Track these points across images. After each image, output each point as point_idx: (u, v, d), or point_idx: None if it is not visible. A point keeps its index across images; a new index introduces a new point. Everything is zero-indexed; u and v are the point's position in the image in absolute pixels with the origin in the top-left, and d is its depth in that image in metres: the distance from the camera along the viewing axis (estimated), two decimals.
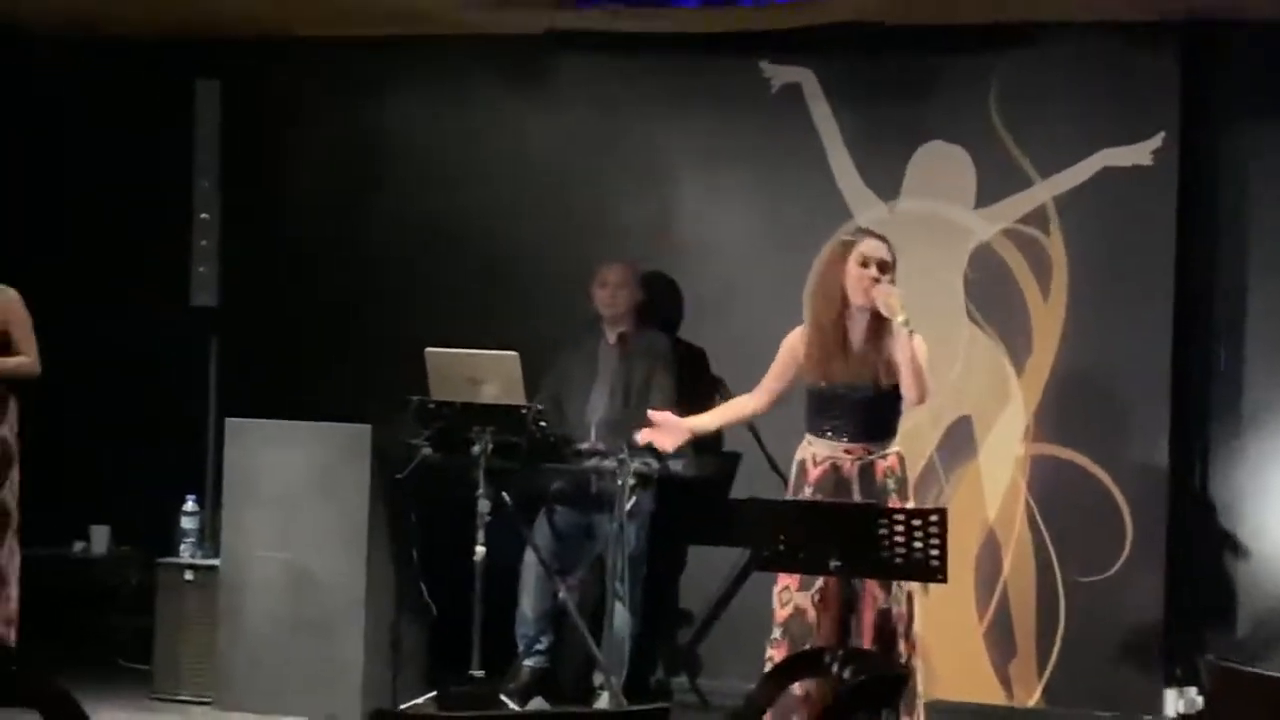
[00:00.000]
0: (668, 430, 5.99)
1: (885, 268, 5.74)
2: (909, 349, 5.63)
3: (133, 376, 7.99)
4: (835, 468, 5.78)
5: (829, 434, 5.79)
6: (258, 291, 7.85)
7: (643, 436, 6.06)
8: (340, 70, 8.05)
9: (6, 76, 8.14)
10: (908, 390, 5.69)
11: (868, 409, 5.76)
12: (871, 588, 5.66)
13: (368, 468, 6.81)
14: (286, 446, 6.91)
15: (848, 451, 5.78)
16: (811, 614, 5.71)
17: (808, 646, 5.54)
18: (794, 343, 5.94)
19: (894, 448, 5.83)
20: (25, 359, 6.86)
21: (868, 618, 5.68)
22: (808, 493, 5.81)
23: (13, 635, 6.84)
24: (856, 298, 5.73)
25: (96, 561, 8.06)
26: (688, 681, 7.52)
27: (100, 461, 7.97)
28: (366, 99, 8.04)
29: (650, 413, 6.08)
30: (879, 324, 5.75)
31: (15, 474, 6.84)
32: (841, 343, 5.77)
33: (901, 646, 5.72)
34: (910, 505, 5.80)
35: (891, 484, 5.77)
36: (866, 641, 5.64)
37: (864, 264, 5.74)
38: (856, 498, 5.74)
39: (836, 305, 5.78)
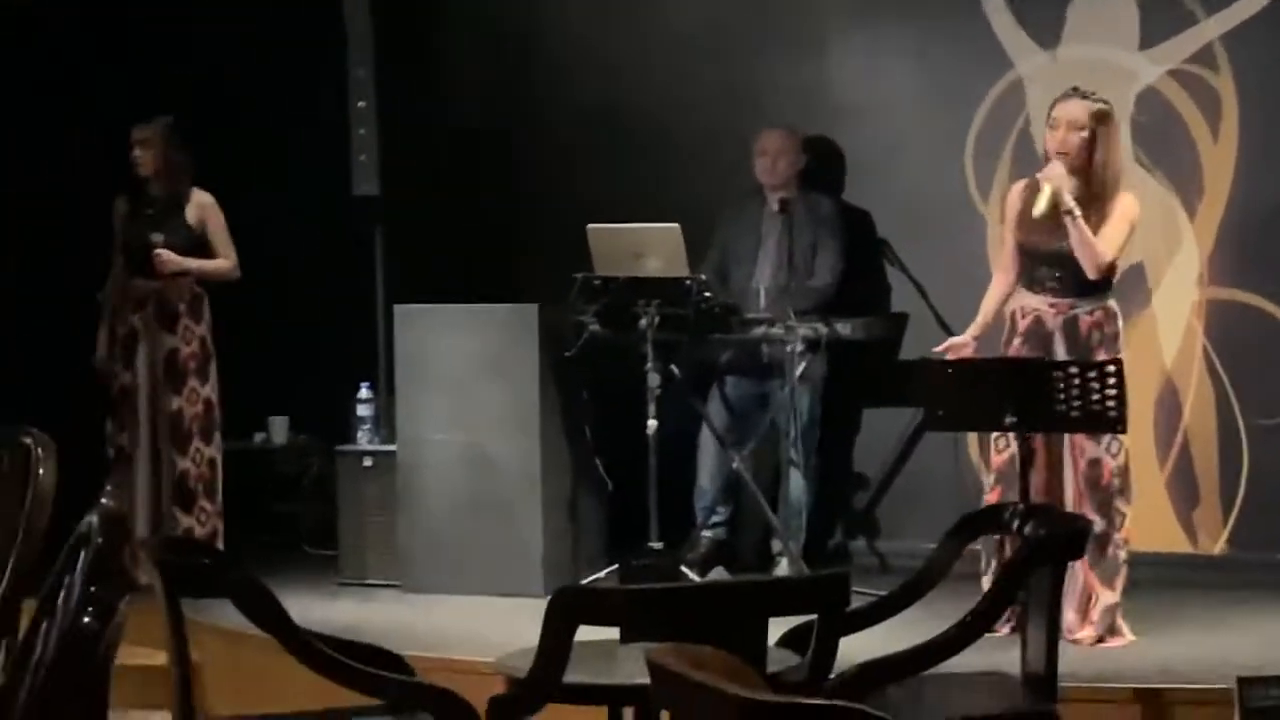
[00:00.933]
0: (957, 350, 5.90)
1: (1078, 126, 5.63)
2: (1075, 230, 5.56)
3: (300, 268, 8.10)
4: (1039, 320, 5.74)
5: (1035, 287, 5.76)
6: (419, 178, 7.89)
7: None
8: None
9: None
10: (1083, 264, 5.63)
11: (1074, 265, 5.68)
12: (1079, 440, 5.63)
13: (536, 347, 6.85)
14: (455, 330, 6.97)
15: (1052, 306, 5.73)
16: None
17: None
18: (1010, 201, 5.89)
19: (1106, 302, 5.76)
20: (224, 262, 7.02)
21: (1079, 468, 5.66)
22: (1016, 344, 5.80)
23: (221, 528, 7.05)
24: (1044, 163, 5.67)
25: (277, 451, 8.23)
26: (866, 545, 7.52)
27: (275, 353, 8.10)
28: None
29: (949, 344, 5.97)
30: (1090, 186, 5.67)
31: (213, 371, 7.02)
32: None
33: (1117, 501, 5.68)
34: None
35: (1097, 337, 5.71)
36: (1073, 495, 5.62)
37: (1053, 127, 5.66)
38: (1059, 352, 5.69)
39: (1041, 163, 5.72)
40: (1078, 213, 5.57)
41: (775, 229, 7.17)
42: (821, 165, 7.41)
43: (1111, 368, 5.24)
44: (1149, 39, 7.09)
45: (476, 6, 8.07)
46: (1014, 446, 5.67)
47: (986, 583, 5.69)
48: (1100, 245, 5.63)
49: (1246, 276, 6.97)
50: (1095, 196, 5.69)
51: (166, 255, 6.93)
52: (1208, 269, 7.02)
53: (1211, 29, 6.99)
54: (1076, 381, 5.23)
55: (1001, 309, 5.90)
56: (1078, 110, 5.67)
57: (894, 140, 7.40)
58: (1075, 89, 5.82)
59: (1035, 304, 5.77)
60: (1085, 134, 5.64)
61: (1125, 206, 5.70)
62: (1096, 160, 5.68)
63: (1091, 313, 5.72)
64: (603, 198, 7.50)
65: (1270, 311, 6.93)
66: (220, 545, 6.89)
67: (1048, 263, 5.74)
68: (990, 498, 5.78)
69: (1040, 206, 5.58)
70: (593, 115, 7.83)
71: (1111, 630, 5.80)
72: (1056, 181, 5.58)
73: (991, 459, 5.86)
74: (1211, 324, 7.01)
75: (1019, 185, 5.88)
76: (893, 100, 7.43)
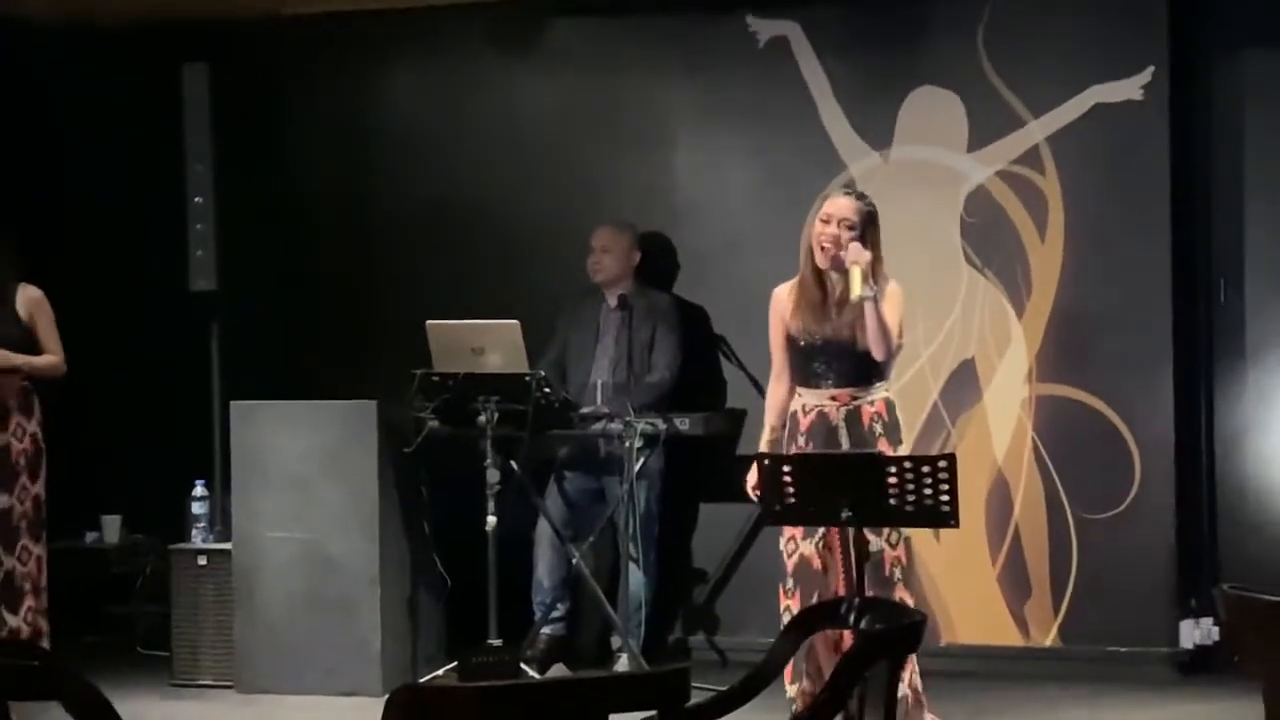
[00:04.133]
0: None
1: (848, 225, 5.74)
2: (873, 312, 5.66)
3: (137, 365, 8.00)
4: (822, 415, 5.80)
5: (815, 383, 5.82)
6: (257, 274, 7.85)
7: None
8: (330, 46, 8.04)
9: (3, 69, 8.12)
10: (873, 350, 5.72)
11: (852, 357, 5.78)
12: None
13: (376, 443, 6.82)
14: (293, 427, 6.92)
15: (833, 398, 5.80)
16: (818, 561, 5.74)
17: (817, 594, 5.57)
18: (777, 304, 5.95)
19: (882, 393, 5.84)
20: (53, 358, 6.89)
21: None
22: (800, 442, 5.84)
23: (46, 627, 6.88)
24: (818, 256, 5.76)
25: (109, 551, 8.08)
26: (706, 639, 7.55)
27: (108, 451, 7.99)
28: (358, 74, 8.03)
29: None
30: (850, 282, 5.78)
31: (43, 468, 6.88)
32: (821, 298, 5.81)
33: (899, 590, 5.73)
34: (901, 450, 5.82)
35: (879, 428, 5.79)
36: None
37: (825, 221, 5.76)
38: (844, 444, 5.76)
39: (810, 260, 5.82)
40: (879, 297, 5.68)
41: (613, 325, 7.22)
42: (659, 261, 7.49)
43: (944, 463, 5.31)
44: (977, 141, 7.27)
45: (317, 101, 8.08)
46: (802, 549, 5.73)
47: (786, 680, 5.69)
48: (891, 328, 5.75)
49: (1075, 373, 7.13)
50: None
51: None
52: (1036, 365, 7.18)
53: (1037, 131, 7.19)
54: (910, 476, 5.30)
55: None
56: (849, 208, 5.79)
57: (732, 237, 7.51)
58: (846, 187, 5.98)
59: (815, 400, 5.82)
60: (856, 232, 5.75)
61: (895, 293, 5.82)
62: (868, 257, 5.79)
63: (872, 403, 5.81)
64: (443, 293, 7.52)
65: (1097, 407, 7.10)
66: (46, 645, 6.73)
67: (824, 357, 5.80)
68: (791, 603, 5.72)
69: (856, 288, 5.66)
70: (434, 211, 7.86)
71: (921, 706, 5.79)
72: (864, 263, 5.69)
73: (785, 562, 5.80)
74: (1041, 419, 7.16)
75: (784, 286, 5.93)
76: (731, 197, 7.55)
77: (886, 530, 5.71)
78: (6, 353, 6.80)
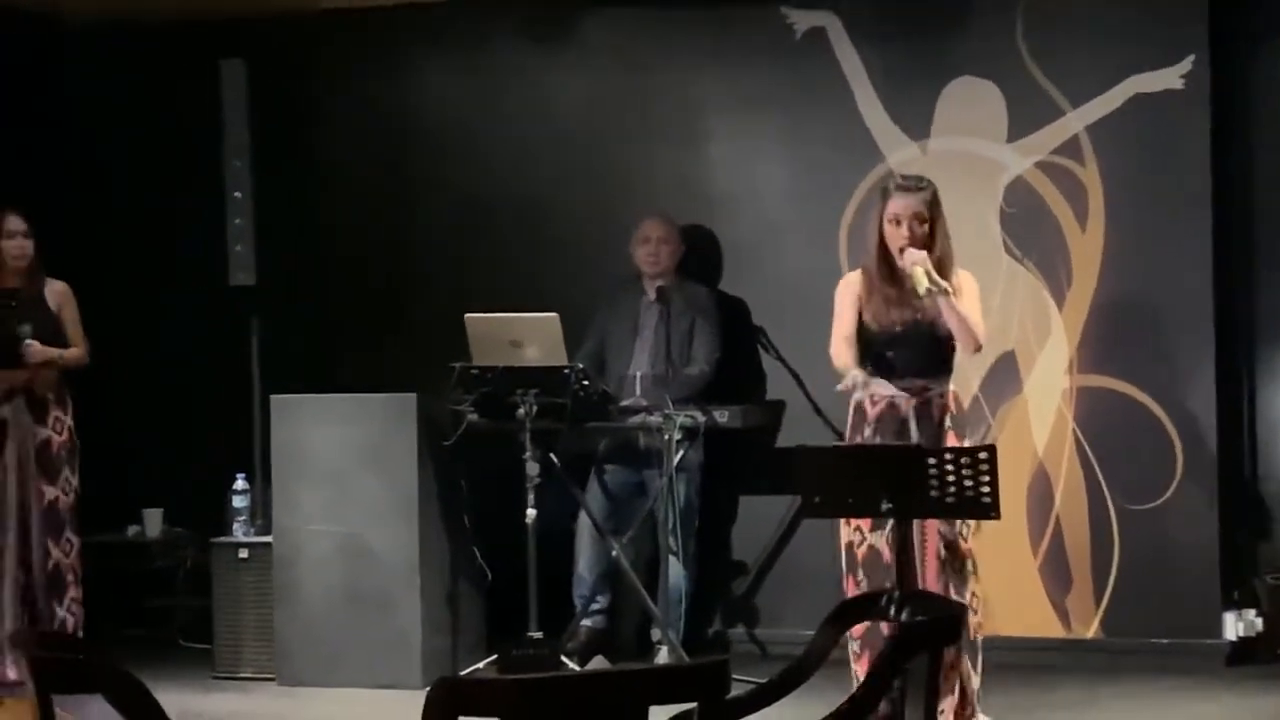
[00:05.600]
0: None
1: (921, 220, 5.71)
2: (951, 307, 5.63)
3: (176, 360, 8.03)
4: (893, 406, 5.78)
5: (885, 373, 5.79)
6: (295, 268, 7.88)
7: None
8: (365, 41, 8.05)
9: (41, 68, 8.17)
10: (961, 343, 5.71)
11: (923, 347, 5.75)
12: (933, 524, 5.67)
13: (415, 437, 6.83)
14: (333, 420, 6.94)
15: (906, 389, 5.78)
16: (887, 554, 5.71)
17: (887, 585, 5.55)
18: (851, 286, 5.87)
19: (950, 385, 5.83)
20: (78, 350, 6.94)
21: (930, 550, 5.69)
22: (867, 433, 5.81)
23: (80, 620, 6.92)
24: (898, 258, 5.71)
25: (151, 544, 8.11)
26: (745, 632, 7.54)
27: (149, 445, 8.02)
28: (393, 68, 8.04)
29: None
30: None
31: (78, 461, 6.93)
32: (897, 284, 5.75)
33: (971, 584, 5.72)
34: (969, 442, 5.80)
35: (949, 422, 5.77)
36: (931, 576, 5.64)
37: (895, 223, 5.72)
38: (914, 436, 5.74)
39: (878, 254, 5.76)
40: (951, 290, 5.64)
41: (652, 317, 7.21)
42: (698, 254, 7.48)
43: (984, 455, 5.29)
44: (1016, 131, 7.24)
45: (354, 95, 8.09)
46: (870, 539, 5.72)
47: (860, 673, 5.71)
48: (974, 319, 5.73)
49: (1116, 363, 7.10)
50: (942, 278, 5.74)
51: (36, 346, 6.84)
52: (1077, 356, 7.15)
53: (1076, 122, 7.16)
54: (950, 469, 5.28)
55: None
56: (917, 203, 5.74)
57: (769, 229, 7.49)
58: (903, 181, 5.88)
59: (885, 390, 5.81)
60: (927, 226, 5.72)
61: (970, 283, 5.78)
62: (938, 245, 5.75)
63: (943, 395, 5.79)
64: (480, 287, 7.53)
65: (1138, 398, 7.07)
66: (80, 634, 6.77)
67: (897, 346, 5.78)
68: (860, 592, 5.73)
69: (922, 285, 5.62)
70: (469, 204, 7.86)
71: (974, 712, 5.79)
72: (923, 261, 5.65)
73: (856, 554, 5.79)
74: (1082, 411, 7.13)
75: (855, 273, 5.91)
76: (768, 190, 7.53)
77: (958, 524, 5.69)
78: (44, 347, 6.84)
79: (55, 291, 6.95)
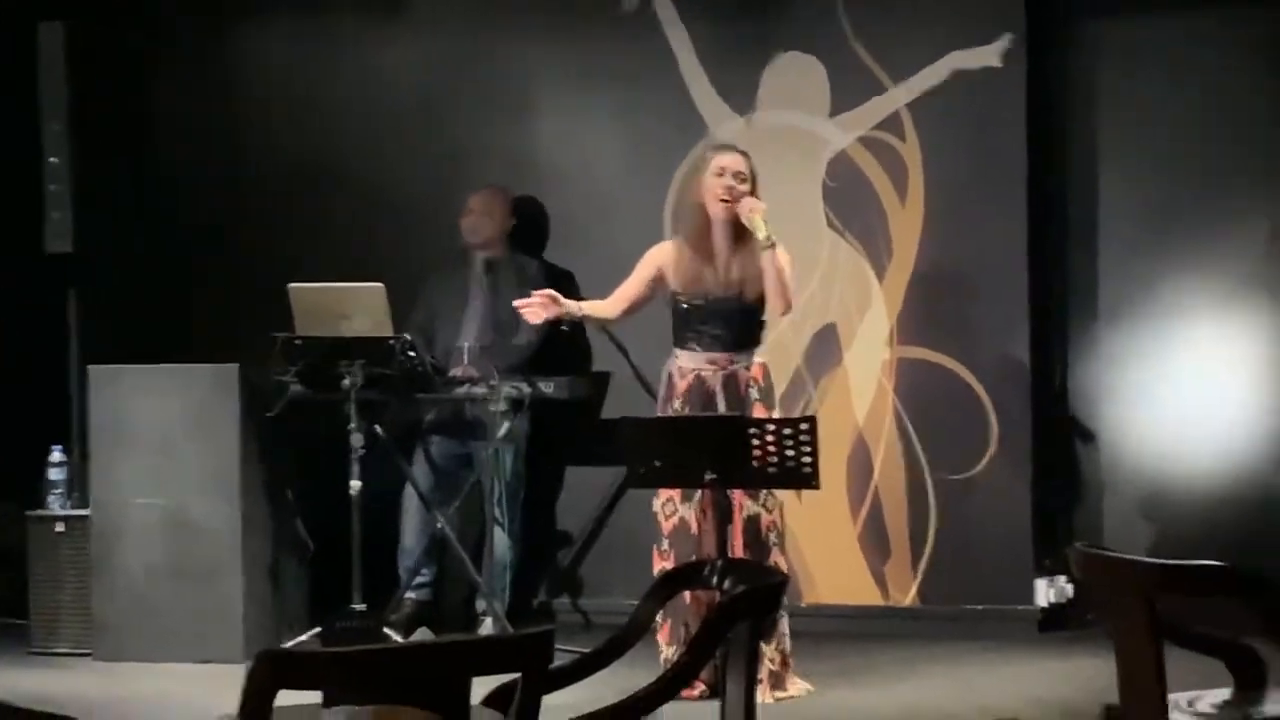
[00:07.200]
0: (546, 304, 5.97)
1: (742, 178, 5.82)
2: (772, 262, 5.73)
3: None
4: (700, 379, 5.85)
5: (694, 346, 5.87)
6: (116, 235, 7.74)
7: (520, 303, 6.06)
8: (192, 5, 7.92)
9: None
10: (772, 301, 5.80)
11: (731, 320, 5.84)
12: (737, 495, 5.75)
13: (238, 408, 6.76)
14: (154, 391, 6.84)
15: (711, 362, 5.86)
16: (695, 525, 5.79)
17: (693, 557, 5.61)
18: (656, 256, 6.01)
19: (758, 358, 5.91)
20: None
21: (736, 524, 5.77)
22: (676, 405, 5.88)
23: None
24: (714, 209, 5.83)
25: None
26: (570, 602, 7.58)
27: None
28: (221, 34, 7.93)
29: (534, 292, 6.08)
30: (742, 235, 5.84)
31: None
32: (709, 255, 5.86)
33: (773, 554, 5.80)
34: (776, 414, 5.89)
35: (755, 393, 5.85)
36: (737, 549, 5.72)
37: (720, 174, 5.82)
38: (721, 408, 5.81)
39: (699, 217, 5.87)
40: (775, 241, 5.75)
41: (481, 289, 7.21)
42: (527, 226, 7.48)
43: (805, 425, 5.38)
44: (839, 106, 7.33)
45: (181, 60, 7.96)
46: (681, 511, 5.80)
47: (663, 642, 5.78)
48: (788, 279, 5.82)
49: (934, 336, 7.23)
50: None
51: None
52: (897, 328, 7.27)
53: (898, 97, 7.26)
54: (772, 438, 5.35)
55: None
56: (741, 162, 5.87)
57: (598, 202, 7.52)
58: (724, 142, 6.05)
59: (693, 364, 5.89)
60: (749, 185, 5.83)
61: (783, 253, 5.88)
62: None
63: (749, 368, 5.88)
64: (307, 257, 7.47)
65: (955, 370, 7.20)
66: None
67: (705, 317, 5.87)
68: (667, 565, 5.77)
69: (762, 229, 5.72)
70: (298, 173, 7.78)
71: (778, 683, 5.87)
72: (761, 210, 5.75)
73: (661, 524, 5.90)
74: (901, 382, 7.25)
75: (669, 243, 6.02)
76: (597, 162, 7.55)
77: (763, 494, 5.77)
78: None
79: None
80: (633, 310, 6.09)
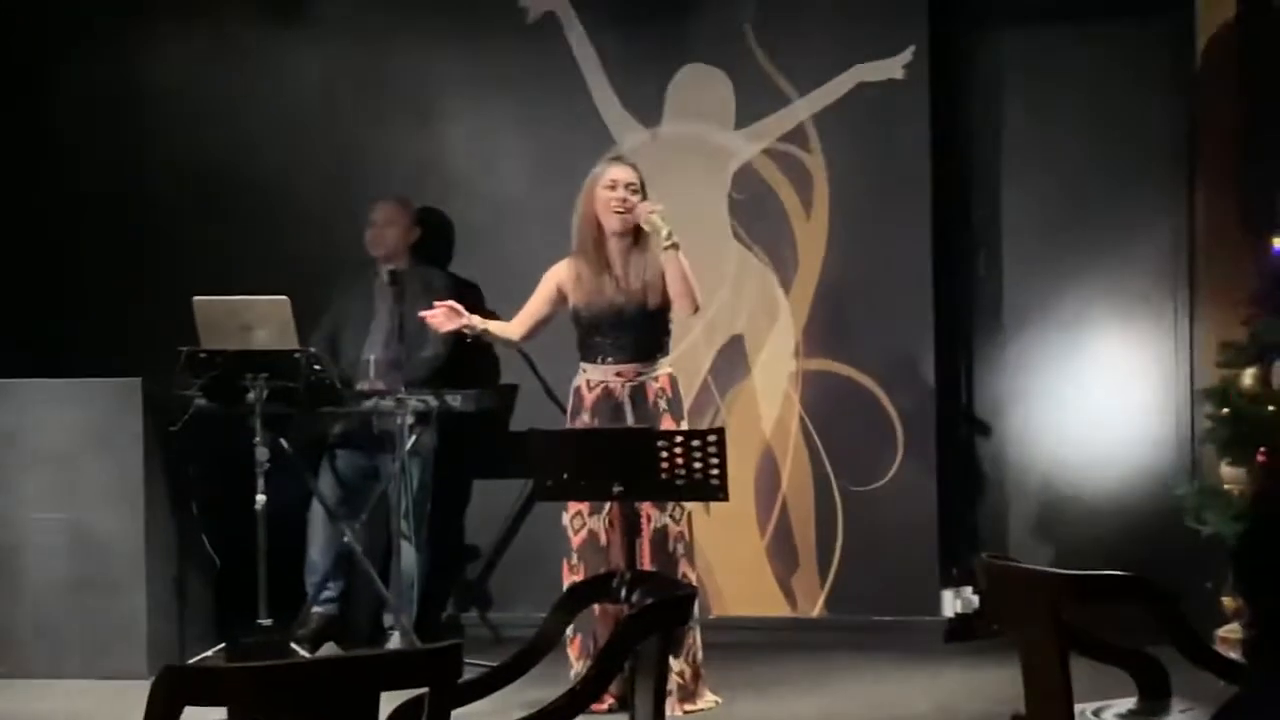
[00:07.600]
0: (449, 314, 5.99)
1: (634, 189, 5.88)
2: (675, 263, 5.77)
3: None
4: (608, 391, 5.87)
5: (600, 358, 5.88)
6: (16, 245, 7.64)
7: (424, 313, 6.08)
8: (92, 8, 7.83)
9: None
10: (679, 302, 5.83)
11: (635, 330, 5.86)
12: (646, 508, 5.76)
13: (140, 422, 6.69)
14: (54, 405, 6.76)
15: (619, 374, 5.87)
16: (604, 537, 5.79)
17: (602, 570, 5.61)
18: (554, 274, 6.04)
19: (665, 369, 5.93)
20: None
21: (645, 536, 5.78)
22: (584, 418, 5.89)
23: None
24: (609, 221, 5.89)
25: None
26: (479, 616, 7.55)
27: None
28: (120, 39, 7.84)
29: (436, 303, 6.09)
30: (639, 245, 5.88)
31: None
32: (605, 266, 5.90)
33: (682, 565, 5.82)
34: (684, 425, 5.91)
35: (663, 404, 5.86)
36: (646, 561, 5.73)
37: (611, 187, 5.87)
38: (629, 420, 5.82)
39: (594, 232, 5.91)
40: (675, 241, 5.79)
41: (386, 301, 7.17)
42: (433, 237, 7.45)
43: (713, 437, 5.39)
44: (745, 118, 7.36)
45: (80, 63, 7.86)
46: (590, 524, 5.81)
47: (574, 657, 5.78)
48: (693, 281, 5.86)
49: (839, 347, 7.27)
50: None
51: None
52: (803, 340, 7.30)
53: (803, 109, 7.30)
54: (680, 450, 5.36)
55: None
56: (631, 174, 5.93)
57: (504, 212, 7.51)
58: (615, 156, 6.10)
59: (600, 376, 5.91)
60: (640, 196, 5.89)
61: (681, 257, 5.91)
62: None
63: (657, 378, 5.91)
64: (210, 270, 7.40)
65: (861, 381, 7.24)
66: None
67: (607, 329, 5.89)
68: (576, 578, 5.79)
69: (663, 229, 5.77)
70: (200, 182, 7.72)
71: (688, 696, 5.87)
72: (659, 211, 5.81)
73: (571, 538, 5.92)
74: (808, 394, 7.28)
75: (563, 262, 6.05)
76: (503, 173, 7.54)
77: (671, 506, 5.79)
78: None
79: None
80: (536, 330, 6.12)
